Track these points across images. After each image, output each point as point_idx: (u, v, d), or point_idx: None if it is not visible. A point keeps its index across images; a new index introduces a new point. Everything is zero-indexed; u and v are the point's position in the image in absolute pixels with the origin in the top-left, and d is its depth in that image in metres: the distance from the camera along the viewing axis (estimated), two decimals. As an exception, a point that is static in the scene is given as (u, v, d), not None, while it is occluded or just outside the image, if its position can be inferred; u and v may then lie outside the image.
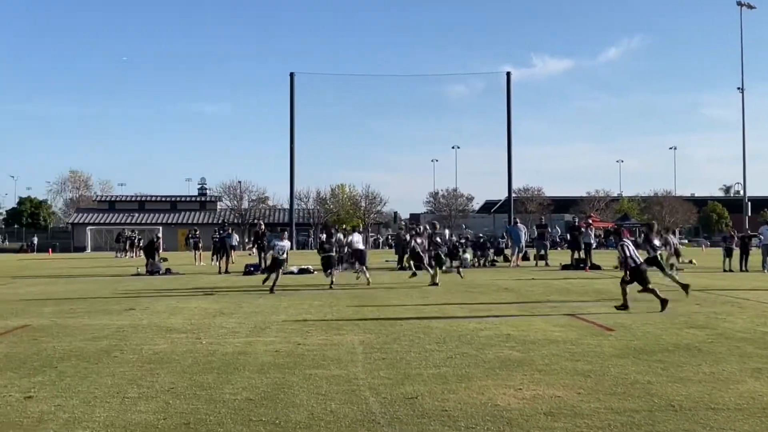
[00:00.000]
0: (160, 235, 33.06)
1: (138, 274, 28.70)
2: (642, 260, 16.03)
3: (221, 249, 32.33)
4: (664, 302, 15.11)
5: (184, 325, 13.66)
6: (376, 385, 8.39)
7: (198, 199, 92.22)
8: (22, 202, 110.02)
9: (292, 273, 28.31)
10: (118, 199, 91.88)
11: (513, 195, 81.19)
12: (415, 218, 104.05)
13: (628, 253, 15.51)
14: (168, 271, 29.60)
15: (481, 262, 34.32)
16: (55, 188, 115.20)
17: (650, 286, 15.53)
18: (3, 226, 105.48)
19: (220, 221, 73.86)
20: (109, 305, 17.50)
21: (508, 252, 38.29)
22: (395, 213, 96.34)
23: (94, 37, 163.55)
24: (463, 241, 33.51)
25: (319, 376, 8.89)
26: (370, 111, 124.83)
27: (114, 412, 7.28)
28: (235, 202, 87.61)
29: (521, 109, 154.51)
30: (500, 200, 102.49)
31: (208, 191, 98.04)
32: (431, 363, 9.73)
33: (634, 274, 15.53)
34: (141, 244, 45.28)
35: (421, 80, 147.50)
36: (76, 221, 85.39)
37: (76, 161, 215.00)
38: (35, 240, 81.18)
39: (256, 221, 56.19)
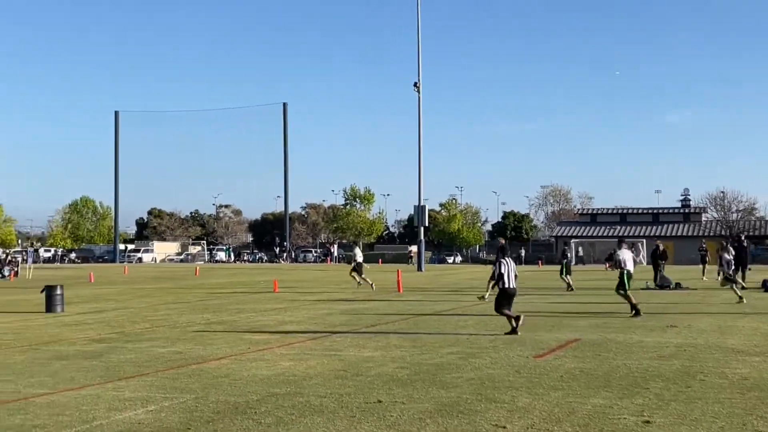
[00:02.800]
0: (659, 243, 31.67)
1: (647, 288, 27.71)
2: None
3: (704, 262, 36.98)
4: None
5: (747, 346, 12.43)
6: None
7: (681, 210, 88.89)
8: (506, 216, 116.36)
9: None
10: (599, 212, 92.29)
11: None
12: None
13: None
14: (678, 286, 28.25)
15: None
16: (536, 202, 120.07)
17: None
18: (488, 239, 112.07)
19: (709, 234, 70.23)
20: (643, 321, 16.83)
21: None
22: None
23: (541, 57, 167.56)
24: None
25: None
26: None
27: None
28: (722, 214, 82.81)
29: None
30: None
31: (690, 202, 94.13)
32: None
33: None
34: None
35: None
36: (559, 234, 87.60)
37: (552, 175, 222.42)
38: (522, 252, 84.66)
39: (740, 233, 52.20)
